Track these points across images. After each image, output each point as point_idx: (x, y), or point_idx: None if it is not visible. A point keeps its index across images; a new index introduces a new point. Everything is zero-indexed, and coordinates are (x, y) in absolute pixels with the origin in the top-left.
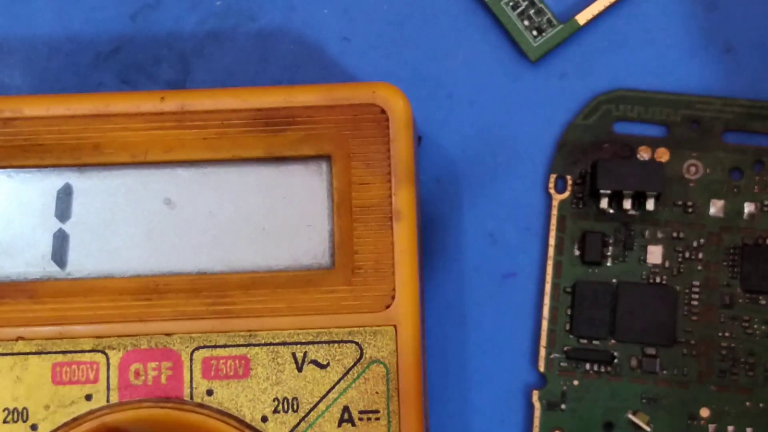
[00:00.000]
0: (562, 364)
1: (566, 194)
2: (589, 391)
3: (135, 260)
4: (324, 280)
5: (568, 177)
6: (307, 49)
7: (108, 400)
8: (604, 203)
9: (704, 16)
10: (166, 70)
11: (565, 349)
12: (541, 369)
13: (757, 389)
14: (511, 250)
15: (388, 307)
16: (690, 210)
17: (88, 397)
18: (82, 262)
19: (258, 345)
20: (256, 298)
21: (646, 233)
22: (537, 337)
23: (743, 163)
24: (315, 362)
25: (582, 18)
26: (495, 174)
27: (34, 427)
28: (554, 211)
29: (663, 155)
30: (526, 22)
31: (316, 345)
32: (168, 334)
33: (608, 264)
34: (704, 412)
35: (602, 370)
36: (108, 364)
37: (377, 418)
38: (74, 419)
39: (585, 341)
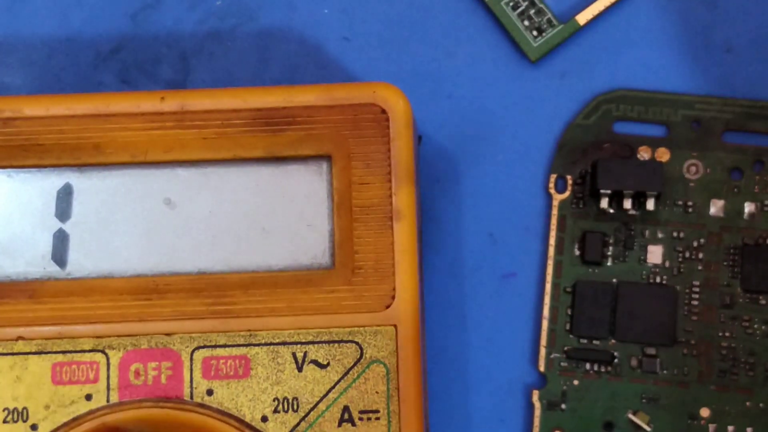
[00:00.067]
0: (562, 363)
1: (566, 194)
2: (590, 391)
3: (135, 260)
4: (324, 280)
5: (569, 177)
6: (307, 49)
7: (108, 400)
8: (604, 203)
9: (704, 16)
10: (166, 70)
11: (566, 348)
12: (542, 369)
13: (758, 389)
14: (511, 250)
15: (388, 307)
16: (690, 210)
17: (88, 397)
18: (82, 262)
19: (258, 345)
20: (256, 297)
21: (647, 233)
22: (537, 337)
23: (743, 163)
24: (315, 362)
25: (582, 18)
26: (495, 174)
27: (34, 427)
28: (554, 211)
29: (663, 155)
30: (527, 22)
31: (316, 345)
32: (168, 334)
33: (608, 264)
34: (704, 412)
35: (602, 369)
36: (108, 364)
37: (377, 418)
38: (74, 419)
39: (585, 341)
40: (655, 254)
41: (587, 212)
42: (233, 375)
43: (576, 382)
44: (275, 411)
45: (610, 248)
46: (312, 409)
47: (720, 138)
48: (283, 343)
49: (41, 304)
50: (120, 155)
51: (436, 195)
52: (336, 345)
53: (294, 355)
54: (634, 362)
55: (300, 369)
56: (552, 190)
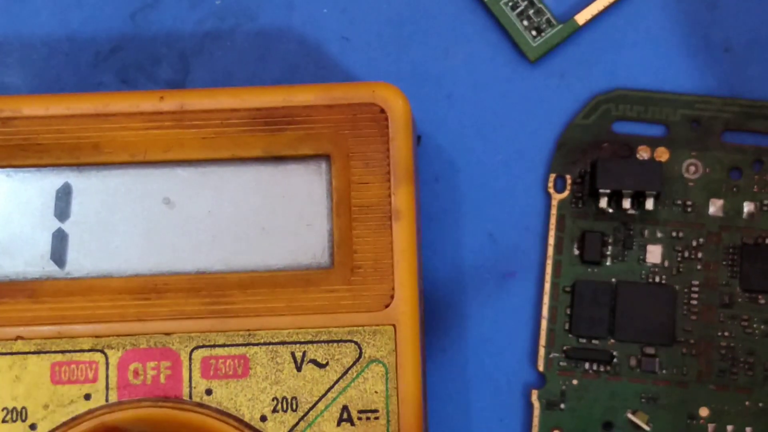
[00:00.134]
0: (561, 363)
1: (566, 194)
2: (589, 391)
3: (134, 260)
4: (323, 280)
5: (568, 176)
6: (307, 49)
7: (107, 400)
8: (603, 203)
9: (704, 16)
10: (166, 70)
11: (565, 348)
12: (541, 368)
13: (757, 389)
14: (511, 250)
15: (387, 306)
16: (689, 209)
17: (87, 397)
18: (81, 262)
19: (257, 344)
20: (255, 297)
21: (646, 233)
22: (536, 337)
23: (742, 163)
24: (314, 362)
25: (581, 18)
26: (495, 174)
27: (33, 426)
28: (554, 211)
29: (662, 155)
30: (526, 22)
31: (315, 344)
32: (167, 334)
33: (607, 263)
34: (703, 412)
35: (601, 369)
36: (107, 364)
37: (376, 418)
38: (73, 419)
39: (584, 341)
40: (654, 254)
41: (586, 212)
42: (232, 375)
43: (575, 382)
44: (274, 410)
45: (610, 248)
46: (311, 408)
47: (719, 138)
48: (282, 343)
49: (40, 303)
50: (119, 155)
51: (436, 195)
52: (335, 344)
53: (293, 354)
54: (633, 362)
55: (299, 368)
56: (551, 190)
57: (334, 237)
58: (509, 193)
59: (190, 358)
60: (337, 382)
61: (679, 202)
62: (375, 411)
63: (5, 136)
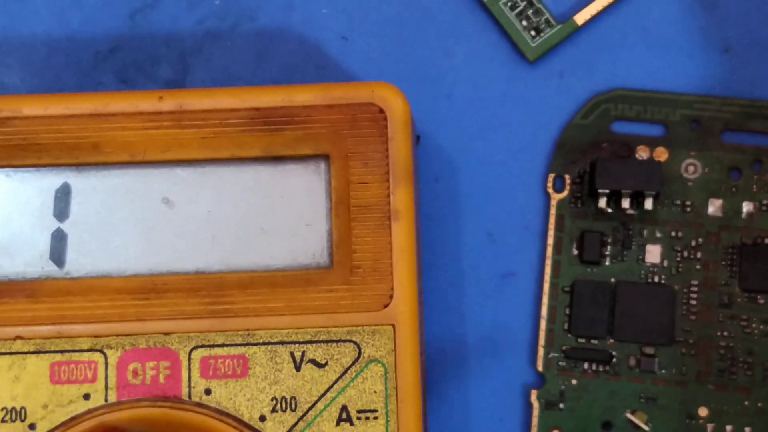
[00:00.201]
0: (560, 363)
1: (565, 194)
2: (588, 391)
3: (133, 259)
4: (322, 280)
5: (567, 176)
6: (306, 49)
7: (106, 400)
8: (602, 203)
9: (703, 16)
10: (165, 70)
11: (564, 348)
12: (540, 368)
13: (756, 388)
14: (510, 250)
15: (386, 306)
16: (688, 209)
17: (87, 397)
18: (80, 262)
19: (256, 344)
20: (255, 297)
21: (645, 233)
22: (535, 337)
23: (742, 163)
24: (313, 361)
25: (580, 18)
26: (494, 174)
27: (32, 426)
28: (553, 211)
29: (662, 155)
30: (525, 23)
31: (314, 344)
32: (166, 334)
33: (607, 263)
34: (703, 412)
35: (601, 369)
36: (106, 364)
37: (375, 418)
38: (72, 418)
39: (583, 340)
40: (653, 254)
41: (586, 212)
42: (231, 374)
43: (574, 382)
44: (273, 410)
45: (609, 248)
46: (310, 408)
47: (719, 138)
48: (282, 343)
49: (39, 303)
50: (118, 155)
51: (435, 194)
52: (334, 344)
53: (292, 354)
54: (632, 362)
55: (298, 368)
56: (550, 190)
57: (333, 237)
58: (509, 193)
59: (190, 358)
60: (336, 381)
61: (679, 202)
62: (374, 411)
63: (5, 136)
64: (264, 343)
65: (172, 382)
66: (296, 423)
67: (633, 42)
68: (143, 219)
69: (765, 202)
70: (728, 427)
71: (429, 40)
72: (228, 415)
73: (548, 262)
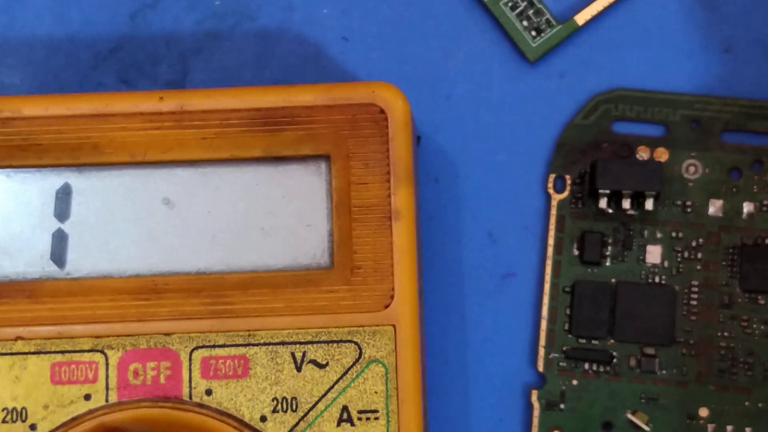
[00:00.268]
0: (561, 363)
1: (565, 194)
2: (588, 391)
3: (134, 260)
4: (323, 280)
5: (567, 177)
6: (307, 49)
7: (107, 400)
8: (603, 203)
9: (703, 16)
10: (165, 70)
11: (564, 348)
12: (540, 369)
13: (756, 389)
14: (510, 250)
15: (387, 306)
16: (689, 210)
17: (87, 397)
18: (81, 262)
19: (257, 345)
20: (255, 297)
21: (645, 233)
22: (536, 337)
23: (742, 163)
24: (314, 362)
25: (581, 18)
26: (494, 174)
27: (33, 426)
28: (553, 211)
29: (662, 155)
30: (525, 23)
31: (315, 345)
32: (167, 334)
33: (607, 264)
34: (703, 412)
35: (601, 369)
36: (107, 364)
37: (376, 418)
38: (73, 419)
39: (584, 341)
40: (653, 254)
41: (586, 212)
42: (232, 375)
43: (575, 382)
44: (274, 411)
45: (609, 248)
46: (311, 409)
47: (719, 138)
48: (282, 343)
49: (40, 304)
50: (119, 155)
51: (435, 195)
52: (335, 345)
53: (293, 354)
54: (632, 362)
55: (299, 369)
56: (551, 190)
57: (334, 237)
58: (509, 193)
59: (190, 359)
60: (337, 382)
61: (679, 202)
62: (375, 411)
63: (5, 136)
64: (265, 344)
65: (173, 383)
66: (297, 423)
67: (633, 42)
68: (144, 219)
69: (765, 202)
70: (729, 428)
71: (429, 40)
72: (229, 415)
73: (549, 263)
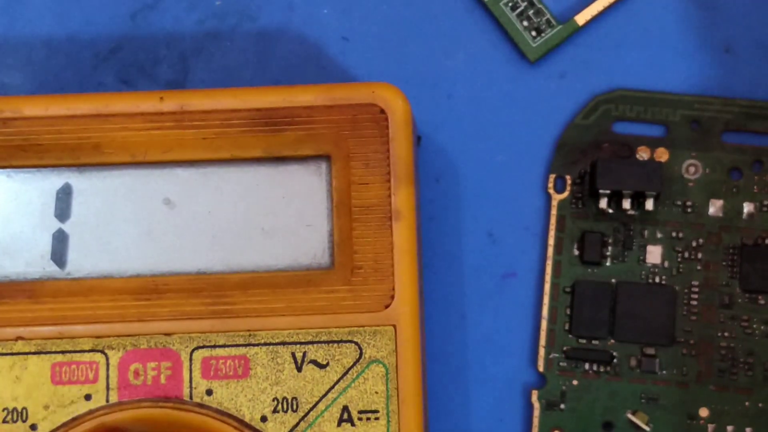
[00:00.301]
0: (561, 363)
1: (565, 194)
2: (589, 391)
3: (134, 260)
4: (323, 280)
5: (568, 177)
6: (307, 49)
7: (107, 400)
8: (603, 203)
9: (703, 16)
10: (166, 70)
11: (565, 348)
12: (541, 369)
13: (757, 389)
14: (511, 250)
15: (387, 306)
16: (689, 210)
17: (88, 397)
18: (81, 262)
19: (257, 345)
20: (256, 298)
21: (646, 233)
22: (536, 337)
23: (742, 163)
24: (314, 362)
25: (581, 18)
26: (495, 174)
27: (33, 427)
28: (553, 211)
29: (662, 155)
30: (525, 23)
31: (315, 345)
32: (167, 334)
33: (607, 264)
34: (703, 412)
35: (601, 369)
36: (107, 364)
37: (377, 418)
38: (74, 419)
39: (584, 341)
40: (654, 254)
41: (586, 212)
42: (233, 375)
43: (575, 382)
44: (275, 411)
45: (609, 248)
46: (311, 409)
47: (719, 138)
48: (283, 343)
49: (40, 304)
50: (119, 155)
51: (436, 195)
52: (335, 345)
53: (293, 355)
54: (633, 362)
55: (299, 369)
56: (551, 190)
57: (335, 237)
58: (509, 193)
59: (191, 359)
60: (337, 382)
61: (679, 202)
62: (375, 411)
63: (6, 136)
64: (265, 344)
65: (174, 383)
66: (297, 423)
67: (634, 42)
68: (144, 219)
69: (765, 202)
70: (729, 428)
71: (430, 40)
72: (229, 415)
73: (549, 263)
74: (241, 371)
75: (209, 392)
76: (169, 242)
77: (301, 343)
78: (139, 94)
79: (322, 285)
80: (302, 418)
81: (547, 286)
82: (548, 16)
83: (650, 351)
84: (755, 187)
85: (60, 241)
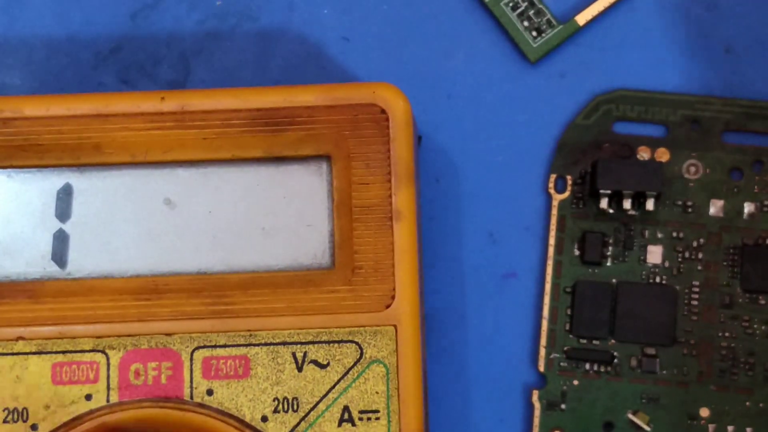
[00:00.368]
0: (562, 363)
1: (566, 194)
2: (589, 391)
3: (135, 260)
4: (324, 280)
5: (568, 177)
6: (307, 49)
7: (108, 400)
8: (604, 203)
9: (704, 16)
10: (166, 70)
11: (565, 348)
12: (541, 369)
13: (757, 389)
14: (511, 250)
15: (388, 306)
16: (690, 210)
17: (88, 397)
18: (82, 262)
19: (258, 345)
20: (256, 298)
21: (646, 233)
22: (537, 337)
23: (743, 163)
24: (315, 362)
25: (581, 18)
26: (495, 174)
27: (34, 426)
28: (554, 211)
29: (663, 155)
30: (526, 23)
31: (316, 345)
32: (168, 334)
33: (608, 264)
34: (704, 412)
35: (602, 369)
36: (108, 364)
37: (377, 418)
38: (74, 419)
39: (585, 341)
40: (654, 254)
41: (587, 212)
42: (233, 375)
43: (576, 382)
44: (275, 411)
45: (610, 248)
46: (312, 409)
47: (720, 138)
48: (283, 343)
49: (41, 304)
50: (120, 155)
51: (436, 195)
52: (336, 345)
53: (294, 355)
54: (633, 362)
55: (300, 369)
56: (552, 190)
57: (335, 237)
58: (509, 193)
59: (191, 359)
60: (338, 382)
61: (680, 202)
62: (376, 411)
63: (6, 136)
64: (266, 344)
65: (174, 383)
66: (298, 423)
67: (634, 42)
68: (145, 219)
69: (766, 202)
70: (729, 428)
71: (430, 40)
72: (230, 415)
73: (549, 263)
74: (242, 371)
75: (210, 392)
76: (170, 242)
77: (301, 343)
78: (140, 94)
79: (322, 285)
80: (303, 418)
81: (548, 286)
82: (549, 16)
83: (651, 351)
84: (756, 187)
85: (60, 241)
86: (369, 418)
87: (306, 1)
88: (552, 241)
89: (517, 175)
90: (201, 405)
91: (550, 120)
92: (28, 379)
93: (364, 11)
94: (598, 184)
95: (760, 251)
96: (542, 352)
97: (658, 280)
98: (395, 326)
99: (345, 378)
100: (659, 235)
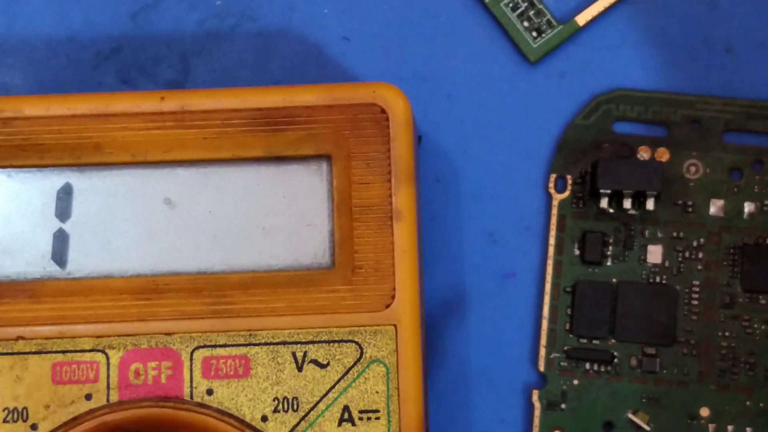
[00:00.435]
0: (562, 363)
1: (566, 194)
2: (589, 391)
3: (135, 260)
4: (324, 280)
5: (568, 177)
6: (307, 49)
7: (108, 400)
8: (604, 203)
9: (704, 16)
10: (166, 70)
11: (565, 348)
12: (541, 368)
13: (757, 389)
14: (511, 250)
15: (388, 306)
16: (690, 210)
17: (88, 397)
18: (82, 262)
19: (258, 344)
20: (256, 297)
21: (646, 233)
22: (537, 337)
23: (743, 163)
24: (315, 362)
25: (581, 19)
26: (495, 174)
27: (34, 426)
28: (554, 211)
29: (663, 155)
30: (526, 23)
31: (316, 344)
32: (168, 334)
33: (608, 264)
34: (704, 412)
35: (602, 369)
36: (108, 364)
37: (377, 418)
38: (74, 419)
39: (585, 341)
40: (654, 254)
41: (587, 212)
42: (233, 375)
43: (576, 382)
44: (275, 411)
45: (610, 248)
46: (312, 408)
47: (720, 138)
48: (283, 343)
49: (41, 303)
50: (120, 155)
51: (436, 195)
52: (336, 345)
53: (294, 354)
54: (633, 362)
55: (300, 369)
56: (552, 190)
57: (335, 237)
58: (510, 193)
59: (191, 358)
60: (338, 382)
61: (680, 202)
62: (376, 411)
63: (6, 136)
64: (266, 344)
65: (174, 383)
66: (298, 423)
67: (634, 42)
68: (145, 219)
69: (766, 202)
70: (730, 428)
71: (430, 40)
72: (230, 415)
73: (550, 263)
74: (242, 371)
75: (210, 392)
76: (170, 242)
77: (301, 343)
78: (140, 94)
79: (322, 285)
80: (303, 418)
81: (548, 286)
82: (549, 16)
83: (651, 351)
84: (756, 187)
85: (60, 241)
86: (369, 418)
87: (306, 1)
88: (552, 240)
89: (517, 175)
90: (201, 405)
91: (550, 120)
92: (28, 378)
93: (364, 11)
94: (598, 183)
95: (760, 251)
96: (542, 351)
97: (658, 279)
98: (395, 326)
99: (345, 378)
100: (659, 235)
